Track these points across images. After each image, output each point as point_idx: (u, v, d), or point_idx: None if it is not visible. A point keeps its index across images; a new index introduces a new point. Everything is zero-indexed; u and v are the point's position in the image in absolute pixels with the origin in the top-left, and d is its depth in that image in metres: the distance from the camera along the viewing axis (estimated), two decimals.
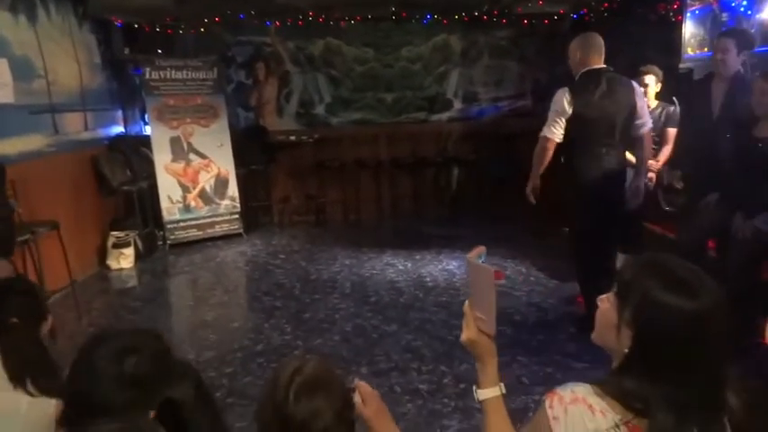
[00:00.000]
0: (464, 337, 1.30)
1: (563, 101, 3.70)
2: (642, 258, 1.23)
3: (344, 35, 7.60)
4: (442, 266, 5.58)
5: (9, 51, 4.70)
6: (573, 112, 3.67)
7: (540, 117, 7.53)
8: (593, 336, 1.29)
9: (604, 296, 1.26)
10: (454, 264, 5.63)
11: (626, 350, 1.14)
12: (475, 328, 1.27)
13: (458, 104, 7.97)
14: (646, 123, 3.79)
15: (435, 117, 7.94)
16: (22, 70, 4.84)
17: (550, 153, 3.80)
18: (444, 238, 6.56)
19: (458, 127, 7.85)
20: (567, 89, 3.74)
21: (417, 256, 5.91)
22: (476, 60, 7.82)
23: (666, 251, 4.16)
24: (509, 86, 7.98)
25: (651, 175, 4.67)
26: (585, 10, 7.06)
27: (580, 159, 3.74)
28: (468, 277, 1.33)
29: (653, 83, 4.65)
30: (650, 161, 4.72)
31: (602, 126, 3.66)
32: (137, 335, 1.41)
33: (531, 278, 5.17)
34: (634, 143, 3.86)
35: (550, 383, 3.34)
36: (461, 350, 3.66)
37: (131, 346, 1.33)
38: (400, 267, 5.59)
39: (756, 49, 4.21)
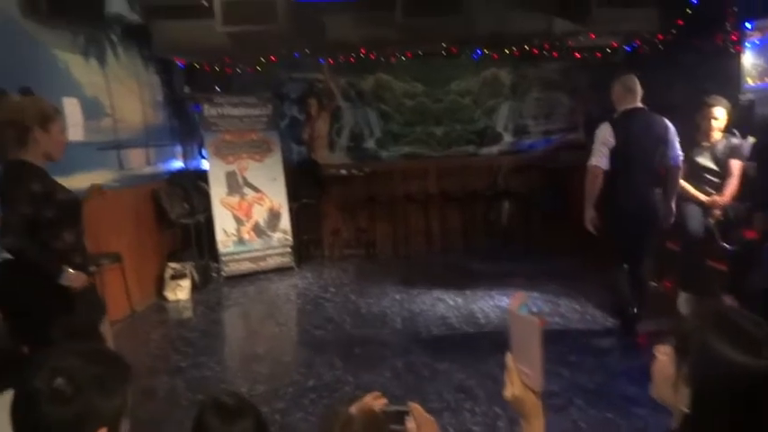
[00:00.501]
0: (508, 393, 1.18)
1: (606, 133, 4.15)
2: (704, 307, 1.14)
3: (394, 70, 7.73)
4: (494, 303, 5.49)
5: (81, 92, 4.99)
6: (615, 144, 4.11)
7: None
8: (652, 390, 1.21)
9: (662, 348, 1.18)
10: (506, 300, 5.53)
11: (685, 410, 1.05)
12: (520, 383, 1.16)
13: (508, 138, 7.94)
14: (677, 156, 4.19)
15: (485, 150, 7.93)
16: (91, 109, 5.12)
17: (600, 181, 4.17)
18: (495, 273, 6.47)
19: (508, 160, 7.81)
20: (608, 123, 4.20)
21: (468, 292, 5.84)
22: (526, 93, 7.80)
23: (728, 293, 4.00)
24: (560, 119, 7.92)
25: (717, 211, 4.52)
26: (639, 42, 6.96)
27: (619, 187, 4.15)
28: (510, 328, 1.21)
29: (723, 115, 4.51)
30: (715, 196, 4.58)
31: (638, 158, 4.12)
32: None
33: (588, 316, 5.02)
34: (666, 173, 4.25)
35: (610, 430, 3.23)
36: None
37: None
38: (451, 303, 5.53)
39: None
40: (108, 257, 4.52)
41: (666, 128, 4.17)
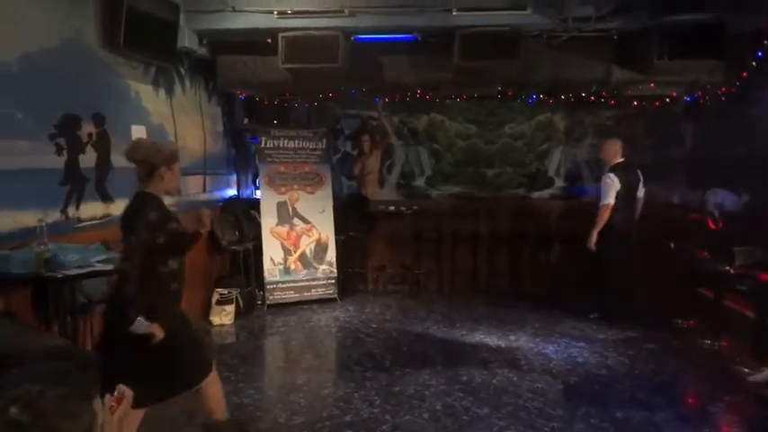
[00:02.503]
0: None
1: (615, 180, 6.05)
2: None
3: (448, 111, 7.81)
4: (538, 349, 5.36)
5: (148, 120, 5.25)
6: (620, 187, 6.03)
7: (646, 200, 7.27)
8: None
9: None
10: (551, 348, 5.40)
11: None
12: None
13: (559, 182, 7.86)
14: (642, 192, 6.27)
15: (536, 194, 7.85)
16: (156, 137, 5.35)
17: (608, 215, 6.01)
18: (541, 318, 6.33)
19: (558, 205, 7.70)
20: (612, 173, 6.11)
21: (512, 337, 5.72)
22: (580, 139, 7.72)
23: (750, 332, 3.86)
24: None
25: None
26: (700, 93, 6.83)
27: (618, 215, 6.06)
28: None
29: None
30: None
31: (629, 194, 6.13)
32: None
33: (636, 371, 4.83)
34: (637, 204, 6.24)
35: None
36: None
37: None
38: (493, 347, 5.43)
39: None
40: None
41: (638, 172, 6.28)
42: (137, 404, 2.08)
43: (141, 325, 2.75)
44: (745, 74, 5.80)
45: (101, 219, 4.51)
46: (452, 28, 5.64)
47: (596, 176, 7.73)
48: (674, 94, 6.92)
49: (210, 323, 6.10)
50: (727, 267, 5.24)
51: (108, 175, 4.60)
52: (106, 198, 4.60)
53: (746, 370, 4.68)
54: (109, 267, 3.59)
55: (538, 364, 4.98)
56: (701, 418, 4.01)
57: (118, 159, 4.70)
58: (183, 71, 5.99)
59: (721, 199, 6.19)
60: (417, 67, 6.33)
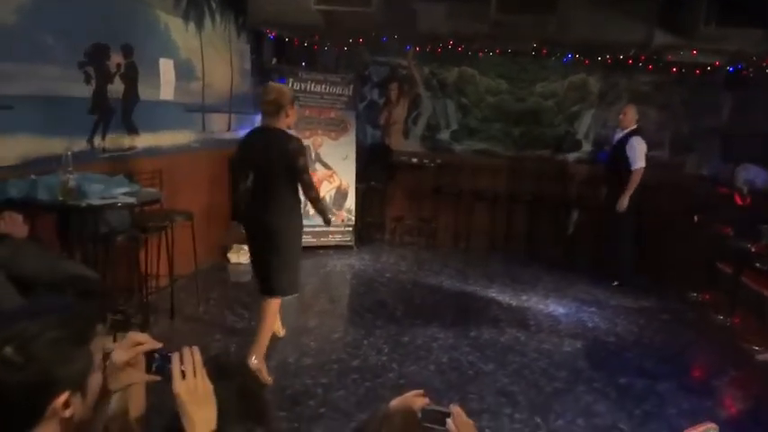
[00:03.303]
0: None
1: (644, 143, 6.06)
2: None
3: (480, 65, 7.63)
4: (549, 311, 5.40)
5: (177, 54, 5.22)
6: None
7: (676, 171, 7.14)
8: None
9: None
10: (561, 310, 5.43)
11: None
12: None
13: (587, 146, 7.71)
14: None
15: (562, 156, 7.73)
16: (184, 72, 5.34)
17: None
18: (554, 281, 6.35)
19: (584, 169, 7.58)
20: (640, 137, 6.07)
21: (524, 297, 5.76)
22: (613, 103, 7.50)
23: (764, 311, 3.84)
24: (645, 133, 7.59)
25: None
26: (743, 64, 6.57)
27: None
28: None
29: None
30: None
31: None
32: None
33: (645, 339, 4.86)
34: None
35: None
36: (559, 404, 3.54)
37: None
38: (504, 305, 5.48)
39: None
40: (181, 215, 4.72)
41: None
42: (290, 292, 3.90)
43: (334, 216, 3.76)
44: None
45: (126, 150, 4.56)
46: None
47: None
48: (717, 62, 6.66)
49: (228, 260, 6.22)
50: (750, 245, 5.16)
51: (135, 107, 4.62)
52: (132, 130, 4.63)
53: (756, 348, 4.68)
54: (131, 200, 3.64)
55: (547, 325, 5.03)
56: (704, 390, 4.03)
57: (144, 91, 4.71)
58: (213, 5, 5.90)
59: (753, 175, 6.05)
60: (453, 17, 6.16)
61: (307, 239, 6.81)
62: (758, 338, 4.87)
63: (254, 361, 3.63)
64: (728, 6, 5.26)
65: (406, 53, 7.46)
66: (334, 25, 6.16)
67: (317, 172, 6.99)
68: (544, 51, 7.17)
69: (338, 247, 7.01)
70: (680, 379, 4.12)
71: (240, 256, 6.23)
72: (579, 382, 3.96)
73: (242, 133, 6.81)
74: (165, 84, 5.07)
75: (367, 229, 7.62)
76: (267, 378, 3.64)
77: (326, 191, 7.04)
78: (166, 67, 5.06)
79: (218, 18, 6.02)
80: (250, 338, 3.82)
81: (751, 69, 6.61)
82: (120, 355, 1.29)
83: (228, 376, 1.35)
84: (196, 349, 1.26)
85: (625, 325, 5.15)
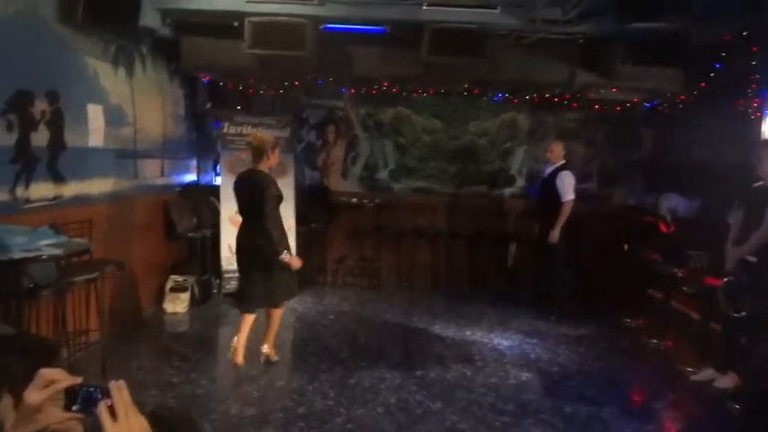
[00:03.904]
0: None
1: (573, 177, 6.37)
2: None
3: (415, 105, 7.82)
4: (493, 345, 5.44)
5: (106, 100, 5.08)
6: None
7: (604, 202, 7.50)
8: None
9: None
10: (505, 343, 5.49)
11: None
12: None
13: (521, 181, 7.96)
14: None
15: (497, 192, 7.94)
16: (114, 117, 5.20)
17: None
18: (497, 315, 6.43)
19: (519, 204, 7.81)
20: (569, 171, 6.38)
21: (468, 332, 5.79)
22: (542, 140, 7.80)
23: (695, 333, 4.01)
24: (574, 168, 7.92)
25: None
26: (660, 100, 7.01)
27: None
28: None
29: None
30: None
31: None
32: None
33: (586, 367, 4.96)
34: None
35: None
36: None
37: None
38: (449, 341, 5.49)
39: None
40: (111, 264, 4.52)
41: None
42: (278, 303, 4.59)
43: (286, 256, 4.34)
44: (703, 84, 5.98)
45: (51, 200, 4.35)
46: (422, 22, 5.63)
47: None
48: (635, 99, 7.08)
49: (164, 311, 5.98)
50: (677, 270, 5.42)
51: (61, 155, 4.44)
52: (58, 178, 4.43)
53: (690, 369, 4.85)
54: (57, 252, 3.46)
55: (492, 359, 5.06)
56: (645, 414, 4.14)
57: (72, 138, 4.54)
58: (144, 50, 5.82)
59: (674, 204, 6.39)
60: (386, 59, 6.30)
61: None
62: (691, 360, 5.07)
63: (266, 349, 4.67)
64: (643, 47, 5.63)
65: (343, 95, 7.55)
66: (268, 68, 6.17)
67: None
68: (476, 91, 7.42)
69: None
70: (622, 404, 4.23)
71: (176, 305, 6.01)
72: (526, 414, 3.98)
73: (176, 179, 6.71)
74: (94, 130, 4.91)
75: (309, 271, 7.50)
76: (275, 357, 4.71)
77: None
78: (95, 113, 4.91)
79: (149, 63, 5.93)
80: (189, 390, 3.65)
81: (666, 105, 7.06)
82: (33, 396, 1.18)
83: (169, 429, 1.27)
84: (123, 384, 1.16)
85: (567, 354, 5.25)
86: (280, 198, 4.44)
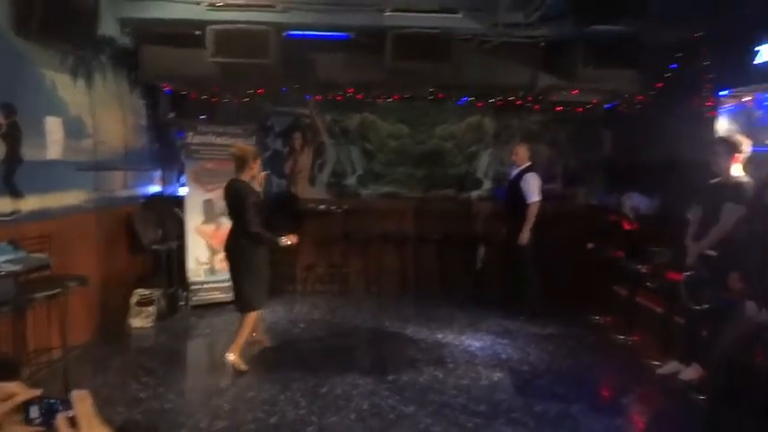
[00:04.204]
0: None
1: (538, 178, 6.40)
2: None
3: (380, 111, 7.85)
4: (464, 346, 5.47)
5: (65, 112, 4.97)
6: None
7: (568, 201, 7.67)
8: None
9: None
10: (476, 344, 5.52)
11: None
12: None
13: (487, 184, 8.05)
14: None
15: (464, 195, 8.01)
16: (73, 129, 5.08)
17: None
18: (468, 317, 6.47)
19: (486, 206, 7.88)
20: (534, 173, 6.41)
21: (439, 335, 5.81)
22: (507, 142, 7.91)
23: (659, 327, 4.13)
24: (539, 169, 8.04)
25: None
26: (619, 101, 7.18)
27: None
28: None
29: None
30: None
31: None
32: None
33: (555, 366, 5.02)
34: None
35: None
36: None
37: None
38: (421, 345, 5.50)
39: None
40: (73, 280, 4.41)
41: None
42: (255, 307, 4.79)
43: (284, 239, 4.75)
44: (659, 85, 6.15)
45: (9, 215, 4.22)
46: (385, 28, 5.67)
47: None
48: (595, 100, 7.24)
49: (130, 325, 5.85)
50: (640, 266, 5.54)
51: (18, 169, 4.31)
52: (15, 193, 4.30)
53: (656, 363, 4.96)
54: (15, 268, 3.36)
55: (463, 360, 5.08)
56: (614, 408, 4.22)
57: (29, 151, 4.43)
58: (103, 61, 5.71)
59: (636, 202, 6.54)
60: (350, 66, 6.32)
61: (215, 295, 6.65)
62: (656, 353, 5.18)
63: (231, 357, 4.68)
64: (603, 50, 5.79)
65: (308, 102, 7.53)
66: (232, 77, 6.13)
67: (223, 226, 6.80)
68: (440, 95, 7.49)
69: None
70: (591, 400, 4.29)
71: (143, 319, 5.89)
72: (498, 414, 4.00)
73: (140, 190, 6.59)
74: (53, 143, 4.79)
75: (278, 280, 7.43)
76: (244, 367, 4.69)
77: None
78: (53, 125, 4.80)
79: (108, 74, 5.82)
80: (158, 405, 3.57)
81: (625, 106, 7.24)
82: None
83: None
84: (86, 394, 1.11)
85: (536, 353, 5.31)
86: (259, 204, 4.66)
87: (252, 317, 4.79)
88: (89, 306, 4.57)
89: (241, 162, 4.63)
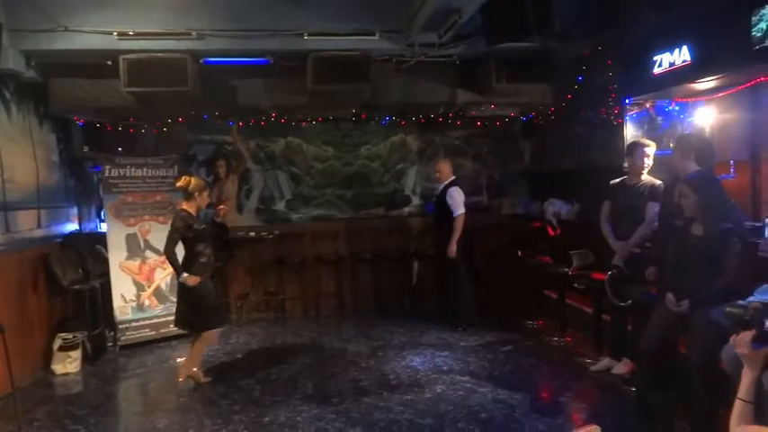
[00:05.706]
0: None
1: (462, 192, 6.62)
2: None
3: (305, 134, 7.84)
4: (406, 363, 5.48)
5: None
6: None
7: (494, 212, 7.92)
8: None
9: None
10: (418, 359, 5.55)
11: None
12: None
13: (416, 200, 8.18)
14: None
15: (395, 213, 8.10)
16: None
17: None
18: (407, 333, 6.50)
19: (417, 222, 8.00)
20: (458, 187, 6.65)
21: (380, 353, 5.81)
22: (432, 158, 8.07)
23: (590, 326, 4.33)
24: (463, 183, 8.25)
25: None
26: (534, 113, 7.52)
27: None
28: None
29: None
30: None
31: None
32: None
33: (496, 372, 5.12)
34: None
35: None
36: None
37: None
38: (363, 365, 5.47)
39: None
40: None
41: None
42: (213, 326, 5.02)
43: (183, 278, 4.78)
44: (569, 96, 6.49)
45: None
46: (305, 52, 5.69)
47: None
48: (512, 114, 7.54)
49: (53, 372, 5.49)
50: (566, 269, 5.78)
51: None
52: None
53: (589, 360, 5.16)
54: None
55: (406, 376, 5.10)
56: (554, 408, 4.34)
57: None
58: (8, 95, 5.41)
59: (558, 208, 6.83)
60: (271, 90, 6.29)
61: (145, 333, 6.38)
62: (589, 351, 5.40)
63: (190, 373, 5.01)
64: (515, 66, 6.08)
65: (230, 128, 7.40)
66: (149, 106, 5.96)
67: (149, 260, 6.56)
68: (363, 116, 7.58)
69: (182, 336, 6.50)
70: (532, 402, 4.40)
71: (67, 365, 5.54)
72: (445, 426, 4.03)
73: (56, 229, 6.24)
74: None
75: None
76: (204, 379, 5.07)
77: (161, 278, 6.61)
78: None
79: (14, 109, 5.52)
80: None
81: (540, 117, 7.59)
82: None
83: None
84: None
85: (476, 362, 5.41)
86: (179, 230, 4.79)
87: (211, 334, 5.04)
88: (7, 355, 4.25)
89: (187, 194, 4.92)
